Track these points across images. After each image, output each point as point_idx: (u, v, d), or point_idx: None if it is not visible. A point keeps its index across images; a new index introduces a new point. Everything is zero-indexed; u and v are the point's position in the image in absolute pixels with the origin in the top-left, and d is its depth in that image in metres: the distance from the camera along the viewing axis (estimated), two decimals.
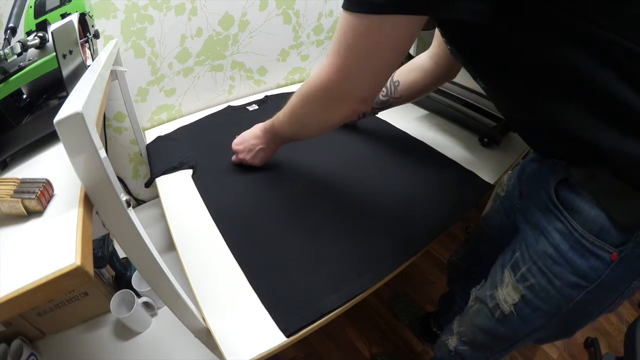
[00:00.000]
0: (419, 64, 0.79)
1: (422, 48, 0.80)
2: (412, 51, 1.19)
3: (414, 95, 0.83)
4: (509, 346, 0.63)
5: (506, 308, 0.56)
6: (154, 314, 0.89)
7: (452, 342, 0.73)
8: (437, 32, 0.74)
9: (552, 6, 0.37)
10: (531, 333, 0.57)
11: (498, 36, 0.43)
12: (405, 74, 0.81)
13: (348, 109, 0.54)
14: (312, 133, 0.67)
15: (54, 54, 0.48)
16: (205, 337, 0.53)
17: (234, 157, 0.84)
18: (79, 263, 0.28)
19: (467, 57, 0.51)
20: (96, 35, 0.65)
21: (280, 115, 0.69)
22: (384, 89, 0.85)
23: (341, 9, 0.43)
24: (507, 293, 0.55)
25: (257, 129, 0.79)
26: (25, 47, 0.50)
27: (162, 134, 1.01)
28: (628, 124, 0.39)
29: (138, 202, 1.19)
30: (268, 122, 0.75)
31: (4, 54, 0.47)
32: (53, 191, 0.36)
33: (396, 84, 0.82)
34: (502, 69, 0.47)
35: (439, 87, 1.08)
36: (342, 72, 0.48)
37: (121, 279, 0.91)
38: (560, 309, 0.51)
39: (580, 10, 0.37)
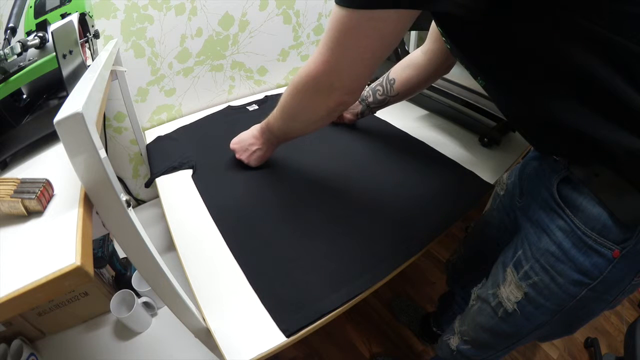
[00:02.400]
0: (413, 61, 0.80)
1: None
2: (411, 50, 1.19)
3: (410, 91, 0.84)
4: (511, 344, 0.63)
5: (509, 306, 0.56)
6: (154, 314, 0.89)
7: (454, 341, 0.73)
8: (431, 28, 0.75)
9: (553, 5, 0.37)
10: (534, 330, 0.57)
11: (498, 34, 0.43)
12: (400, 71, 0.82)
13: (336, 100, 0.55)
14: (302, 126, 0.68)
15: (54, 54, 0.48)
16: (205, 337, 0.53)
17: (236, 155, 0.85)
18: (79, 263, 0.28)
19: (467, 55, 0.51)
20: (96, 35, 0.65)
21: (274, 112, 0.70)
22: (380, 87, 0.86)
23: (334, 3, 0.44)
24: (510, 291, 0.56)
25: (254, 129, 0.80)
26: (25, 47, 0.50)
27: (162, 134, 1.01)
28: (629, 121, 0.39)
29: (138, 202, 1.19)
30: (264, 122, 0.76)
31: (4, 54, 0.47)
32: (53, 191, 0.36)
33: (392, 81, 0.83)
34: (504, 67, 0.47)
35: (439, 87, 1.08)
36: (330, 63, 0.50)
37: (121, 279, 0.91)
38: (563, 306, 0.51)
39: (581, 9, 0.37)
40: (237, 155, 0.83)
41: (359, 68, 0.49)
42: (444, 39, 0.54)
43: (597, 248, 0.45)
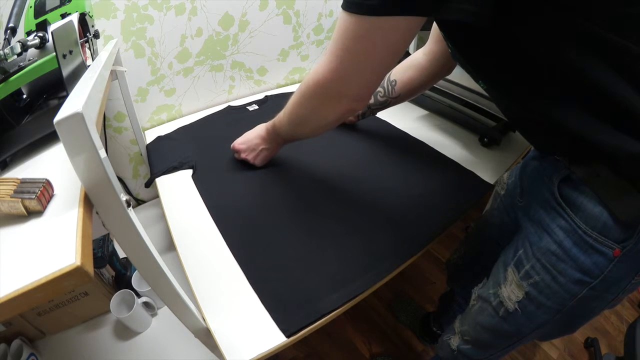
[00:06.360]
0: (414, 62, 0.79)
1: (421, 47, 0.80)
2: (411, 50, 1.19)
3: (412, 93, 0.84)
4: (512, 343, 0.63)
5: (510, 305, 0.56)
6: (154, 314, 0.89)
7: (455, 341, 0.73)
8: (433, 29, 0.74)
9: (554, 6, 0.37)
10: (535, 330, 0.57)
11: (500, 38, 0.43)
12: (402, 72, 0.81)
13: (344, 107, 0.55)
14: (310, 131, 0.68)
15: (54, 54, 0.48)
16: (205, 337, 0.53)
17: (235, 155, 0.85)
18: (79, 263, 0.28)
19: (468, 58, 0.51)
20: (96, 35, 0.65)
21: (280, 114, 0.70)
22: (381, 89, 0.86)
23: (340, 8, 0.44)
24: (511, 291, 0.56)
25: (260, 129, 0.80)
26: (25, 47, 0.50)
27: (162, 134, 1.01)
28: (629, 123, 0.39)
29: (138, 202, 1.19)
30: (270, 122, 0.76)
31: (4, 54, 0.47)
32: (53, 191, 0.36)
33: (393, 83, 0.83)
34: (504, 70, 0.47)
35: (439, 87, 1.08)
36: (339, 71, 0.49)
37: (121, 279, 0.91)
38: (564, 305, 0.51)
39: (581, 10, 0.37)
40: (243, 155, 0.83)
41: (367, 75, 0.49)
42: (446, 42, 0.54)
43: (598, 247, 0.45)
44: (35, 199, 0.33)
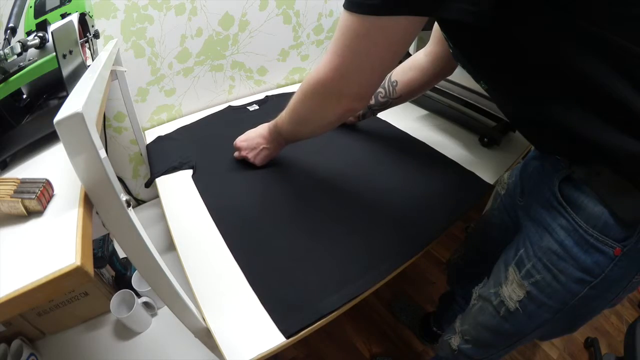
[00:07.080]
0: (415, 63, 0.79)
1: (421, 48, 0.80)
2: (411, 50, 1.19)
3: (413, 93, 0.84)
4: (513, 343, 0.63)
5: (511, 305, 0.56)
6: (154, 314, 0.89)
7: (455, 341, 0.73)
8: (434, 30, 0.74)
9: (554, 6, 0.37)
10: (536, 329, 0.57)
11: (500, 38, 0.43)
12: (402, 73, 0.81)
13: (345, 107, 0.55)
14: (311, 131, 0.68)
15: (54, 54, 0.48)
16: (205, 337, 0.53)
17: (236, 153, 0.85)
18: (79, 263, 0.28)
19: (469, 58, 0.51)
20: (96, 35, 0.65)
21: (282, 114, 0.71)
22: (382, 90, 0.86)
23: (342, 8, 0.44)
24: (512, 290, 0.56)
25: (262, 129, 0.80)
26: (25, 47, 0.50)
27: (162, 134, 1.01)
28: (629, 123, 0.39)
29: (138, 202, 1.19)
30: (272, 123, 0.76)
31: (4, 54, 0.47)
32: (53, 191, 0.36)
33: (394, 84, 0.83)
34: (504, 70, 0.47)
35: (439, 87, 1.08)
36: (340, 70, 0.49)
37: (121, 279, 0.91)
38: (565, 304, 0.51)
39: (581, 10, 0.37)
40: (244, 153, 0.83)
41: (368, 75, 0.49)
42: (447, 42, 0.54)
43: (599, 246, 0.45)
44: (35, 199, 0.33)
